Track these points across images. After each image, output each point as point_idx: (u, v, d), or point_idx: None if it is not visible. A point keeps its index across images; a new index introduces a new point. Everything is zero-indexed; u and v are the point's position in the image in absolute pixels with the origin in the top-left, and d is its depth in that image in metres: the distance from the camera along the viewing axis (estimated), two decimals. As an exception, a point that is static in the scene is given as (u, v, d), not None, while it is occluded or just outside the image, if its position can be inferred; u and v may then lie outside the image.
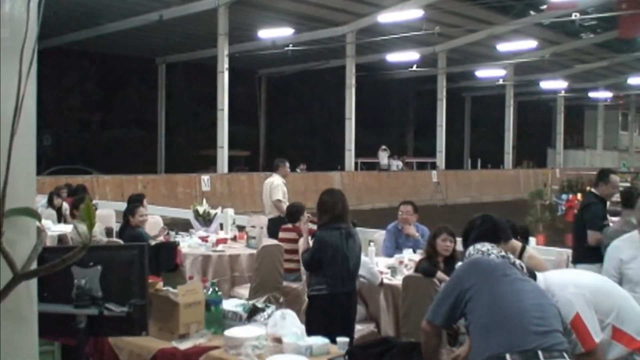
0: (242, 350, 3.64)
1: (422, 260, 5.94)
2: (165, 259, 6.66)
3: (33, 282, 1.94)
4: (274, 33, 24.37)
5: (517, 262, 3.51)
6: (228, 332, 3.83)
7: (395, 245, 7.58)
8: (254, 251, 7.60)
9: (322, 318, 5.08)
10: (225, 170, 22.93)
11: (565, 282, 3.44)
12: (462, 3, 24.01)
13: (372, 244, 7.64)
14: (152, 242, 7.30)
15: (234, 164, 28.56)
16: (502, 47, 27.40)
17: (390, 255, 7.29)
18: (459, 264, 4.01)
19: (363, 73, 29.55)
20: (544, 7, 24.51)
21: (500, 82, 33.74)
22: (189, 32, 26.35)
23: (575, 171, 28.86)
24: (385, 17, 22.91)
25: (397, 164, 31.71)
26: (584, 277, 3.63)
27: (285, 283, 7.26)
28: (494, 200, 27.64)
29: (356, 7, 24.20)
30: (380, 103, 38.31)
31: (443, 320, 3.34)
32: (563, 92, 39.00)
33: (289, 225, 7.80)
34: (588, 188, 9.20)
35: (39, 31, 1.86)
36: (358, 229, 6.19)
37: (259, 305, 4.34)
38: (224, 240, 8.44)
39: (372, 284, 6.20)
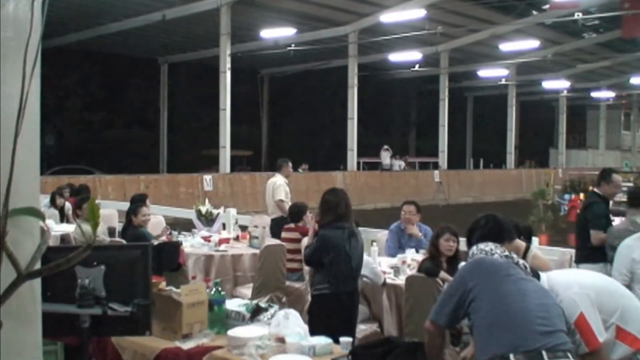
0: (246, 350, 3.64)
1: (425, 260, 5.94)
2: (168, 258, 6.65)
3: (37, 282, 1.94)
4: (276, 33, 24.37)
5: (521, 262, 3.50)
6: (231, 332, 3.82)
7: (398, 245, 7.58)
8: (257, 251, 7.61)
9: (325, 317, 5.08)
10: (228, 170, 22.93)
11: (569, 282, 3.44)
12: (465, 3, 23.97)
13: (374, 243, 7.64)
14: (155, 242, 7.30)
15: (236, 164, 28.57)
16: (505, 47, 27.38)
17: (393, 255, 7.29)
18: (462, 264, 4.00)
19: (365, 73, 29.53)
20: (546, 6, 24.48)
21: (503, 81, 33.69)
22: (191, 31, 26.34)
23: (578, 171, 28.82)
24: (388, 17, 22.89)
25: (399, 163, 31.67)
26: (587, 277, 3.62)
27: (287, 283, 7.27)
28: (496, 200, 27.61)
29: (358, 7, 24.18)
30: (383, 103, 38.30)
31: (447, 321, 3.33)
32: (565, 91, 38.94)
33: (292, 225, 7.82)
34: (590, 188, 9.17)
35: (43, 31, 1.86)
36: (360, 228, 6.18)
37: (262, 305, 4.34)
38: (227, 240, 8.44)
39: (375, 284, 6.20)
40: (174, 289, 4.04)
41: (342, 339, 3.89)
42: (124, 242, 7.11)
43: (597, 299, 3.33)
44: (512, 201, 27.02)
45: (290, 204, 9.23)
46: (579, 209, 9.48)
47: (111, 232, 8.45)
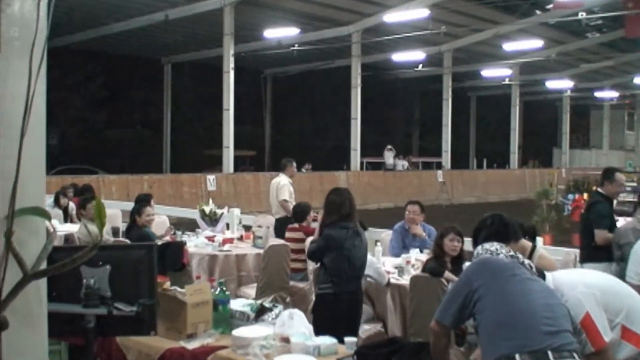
0: (250, 350, 3.63)
1: (429, 260, 5.94)
2: (173, 258, 6.64)
3: (42, 282, 1.94)
4: (280, 33, 24.38)
5: (526, 261, 3.49)
6: (236, 332, 3.82)
7: (402, 245, 7.57)
8: (261, 251, 7.60)
9: (328, 317, 5.08)
10: (231, 170, 22.94)
11: (574, 281, 3.43)
12: (468, 2, 23.95)
13: (378, 243, 7.63)
14: (159, 242, 7.30)
15: (240, 164, 28.56)
16: (508, 46, 27.36)
17: (397, 255, 7.28)
18: (467, 264, 4.00)
19: (368, 73, 29.52)
20: (550, 6, 24.42)
21: (506, 81, 33.68)
22: (194, 32, 26.36)
23: (581, 171, 28.83)
24: (391, 17, 22.89)
25: (402, 163, 31.67)
26: (593, 276, 3.62)
27: (291, 283, 7.26)
28: (499, 200, 27.58)
29: (362, 7, 24.18)
30: (386, 103, 38.29)
31: (452, 321, 3.33)
32: (569, 91, 38.91)
33: (296, 225, 7.82)
34: (594, 188, 9.15)
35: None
36: (364, 229, 6.17)
37: (267, 304, 4.33)
38: (231, 240, 8.44)
39: (379, 283, 6.18)
40: (179, 289, 4.04)
41: (347, 339, 3.88)
42: (128, 242, 7.12)
43: (603, 298, 3.32)
44: (515, 201, 26.99)
45: (294, 204, 9.22)
46: (582, 208, 9.47)
47: (115, 232, 8.47)
